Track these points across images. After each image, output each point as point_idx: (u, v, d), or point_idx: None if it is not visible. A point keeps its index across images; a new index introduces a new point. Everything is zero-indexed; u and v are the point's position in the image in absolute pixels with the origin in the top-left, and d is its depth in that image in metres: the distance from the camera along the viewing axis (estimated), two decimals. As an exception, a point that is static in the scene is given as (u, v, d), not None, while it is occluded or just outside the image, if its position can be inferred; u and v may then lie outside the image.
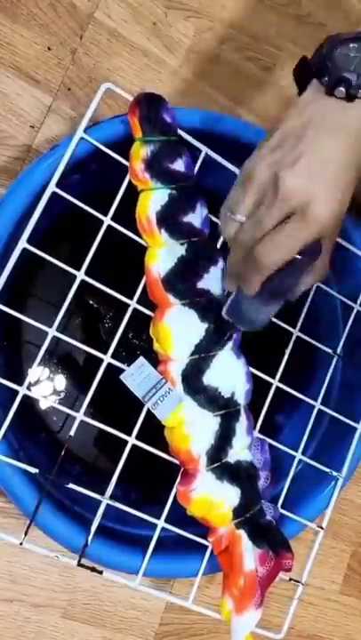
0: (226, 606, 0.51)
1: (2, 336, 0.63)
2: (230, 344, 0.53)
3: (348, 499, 0.79)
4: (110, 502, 0.50)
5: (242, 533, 0.53)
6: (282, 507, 0.58)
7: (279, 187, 0.41)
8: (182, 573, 0.57)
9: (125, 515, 0.51)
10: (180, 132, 0.54)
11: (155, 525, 0.52)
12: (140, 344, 0.66)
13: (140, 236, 0.53)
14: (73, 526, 0.52)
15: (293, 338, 0.59)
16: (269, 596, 0.73)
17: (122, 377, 0.50)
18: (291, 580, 0.56)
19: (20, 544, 0.48)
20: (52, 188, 0.50)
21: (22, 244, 0.49)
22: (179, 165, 0.53)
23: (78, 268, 0.50)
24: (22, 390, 0.49)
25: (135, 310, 0.52)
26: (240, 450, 0.54)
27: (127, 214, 0.52)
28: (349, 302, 0.63)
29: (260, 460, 0.55)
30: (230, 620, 0.51)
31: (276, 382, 0.57)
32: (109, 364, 0.51)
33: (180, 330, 0.52)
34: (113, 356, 0.51)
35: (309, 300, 0.60)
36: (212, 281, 0.53)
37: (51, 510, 0.52)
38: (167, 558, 0.55)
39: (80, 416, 0.50)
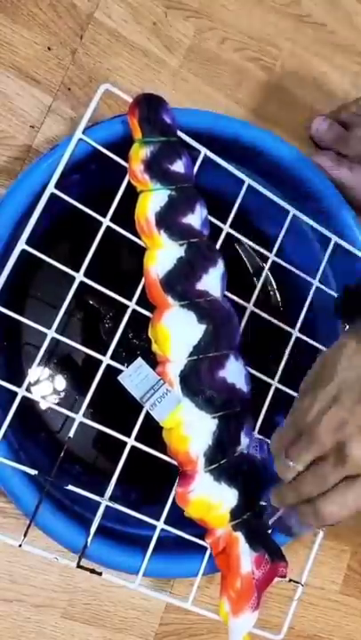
0: (223, 608, 0.51)
1: (2, 336, 0.63)
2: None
3: (348, 499, 0.79)
4: (110, 504, 0.51)
5: (239, 535, 0.53)
6: (281, 507, 0.58)
7: (347, 455, 0.40)
8: (182, 573, 0.57)
9: (125, 515, 0.51)
10: (179, 132, 0.54)
11: (154, 526, 0.52)
12: (139, 344, 0.66)
13: (139, 237, 0.53)
14: (73, 526, 0.52)
15: (293, 338, 0.59)
16: (269, 597, 0.73)
17: (120, 378, 0.50)
18: (290, 580, 0.56)
19: (20, 545, 0.48)
20: (50, 189, 0.50)
21: (21, 245, 0.49)
22: (178, 166, 0.53)
23: (78, 269, 0.50)
24: (21, 392, 0.49)
25: (135, 311, 0.52)
26: (238, 451, 0.54)
27: (127, 215, 0.52)
28: (349, 303, 0.63)
29: (258, 460, 0.55)
30: (228, 622, 0.51)
31: (275, 383, 0.57)
32: (109, 365, 0.51)
33: (178, 331, 0.52)
34: (113, 357, 0.51)
35: (309, 300, 0.60)
36: (211, 282, 0.53)
37: (50, 510, 0.52)
38: (167, 558, 0.55)
39: (79, 417, 0.50)
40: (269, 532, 0.55)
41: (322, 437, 0.41)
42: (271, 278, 0.73)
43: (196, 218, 0.53)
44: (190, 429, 0.51)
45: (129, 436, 0.51)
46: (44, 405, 0.65)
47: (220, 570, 0.54)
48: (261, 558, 0.52)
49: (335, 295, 0.62)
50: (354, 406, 0.41)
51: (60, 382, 0.66)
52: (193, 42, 0.73)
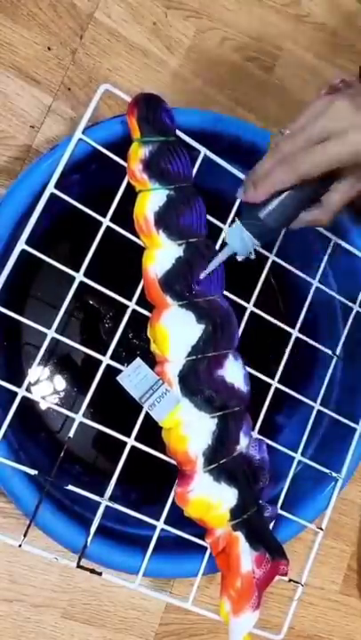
0: (224, 608, 0.51)
1: (2, 336, 0.63)
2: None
3: (348, 499, 0.79)
4: (109, 504, 0.51)
5: (239, 535, 0.53)
6: (281, 507, 0.58)
7: (330, 107, 0.45)
8: (182, 573, 0.57)
9: (125, 515, 0.51)
10: (179, 132, 0.54)
11: (154, 526, 0.52)
12: (139, 344, 0.66)
13: (138, 237, 0.53)
14: (73, 526, 0.52)
15: (293, 338, 0.59)
16: (269, 597, 0.73)
17: (118, 378, 0.50)
18: (290, 580, 0.56)
19: (20, 546, 0.48)
20: (50, 189, 0.50)
21: (21, 245, 0.49)
22: (177, 166, 0.53)
23: (78, 268, 0.50)
24: (21, 392, 0.49)
25: (135, 311, 0.52)
26: (238, 451, 0.54)
27: (126, 215, 0.52)
28: (349, 303, 0.63)
29: (258, 460, 0.55)
30: (228, 622, 0.51)
31: (275, 383, 0.57)
32: (109, 365, 0.51)
33: (177, 331, 0.51)
34: (113, 357, 0.51)
35: (309, 300, 0.60)
36: (210, 282, 0.53)
37: (51, 510, 0.52)
38: (167, 558, 0.55)
39: (79, 417, 0.50)
40: (270, 529, 0.55)
41: (313, 103, 0.46)
42: (271, 278, 0.73)
43: (194, 217, 0.53)
44: (189, 429, 0.51)
45: (129, 436, 0.51)
46: (44, 405, 0.65)
47: (220, 570, 0.54)
48: (262, 557, 0.52)
49: (335, 294, 0.62)
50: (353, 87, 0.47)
51: (60, 382, 0.66)
52: (193, 42, 0.73)
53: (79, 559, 0.51)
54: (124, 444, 0.51)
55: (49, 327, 0.49)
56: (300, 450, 0.59)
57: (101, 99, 0.52)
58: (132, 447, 0.51)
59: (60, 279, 0.52)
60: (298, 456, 0.59)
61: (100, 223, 0.51)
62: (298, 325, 0.59)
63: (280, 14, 0.78)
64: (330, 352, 0.61)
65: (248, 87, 0.76)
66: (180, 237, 0.52)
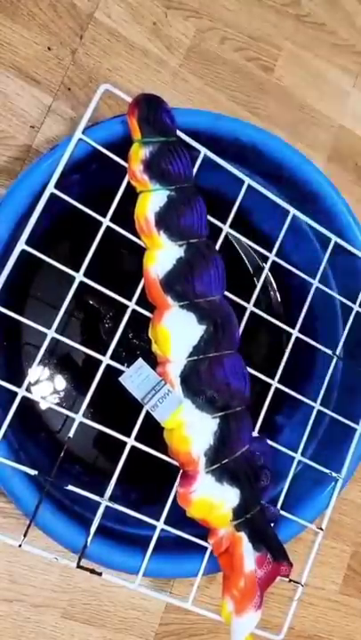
0: (226, 608, 0.51)
1: (2, 336, 0.63)
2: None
3: (348, 499, 0.79)
4: (109, 504, 0.51)
5: (242, 535, 0.53)
6: (281, 507, 0.58)
7: None
8: (182, 573, 0.57)
9: (125, 515, 0.51)
10: (179, 132, 0.54)
11: (154, 526, 0.52)
12: (140, 344, 0.66)
13: (139, 237, 0.53)
14: (73, 526, 0.52)
15: (293, 338, 0.59)
16: (269, 597, 0.73)
17: (121, 379, 0.50)
18: (291, 581, 0.56)
19: (20, 546, 0.48)
20: (50, 189, 0.50)
21: (21, 245, 0.49)
22: (178, 166, 0.53)
23: (78, 269, 0.50)
24: (21, 392, 0.49)
25: (135, 311, 0.52)
26: (239, 451, 0.54)
27: (127, 215, 0.52)
28: (349, 303, 0.63)
29: (259, 459, 0.55)
30: (230, 622, 0.51)
31: (275, 383, 0.57)
32: (109, 365, 0.51)
33: (178, 332, 0.51)
34: (113, 357, 0.51)
35: (309, 300, 0.60)
36: (210, 282, 0.53)
37: (51, 510, 0.52)
38: (167, 558, 0.55)
39: (79, 417, 0.50)
40: (272, 527, 0.55)
41: None
42: (271, 278, 0.73)
43: (195, 218, 0.53)
44: (191, 430, 0.51)
45: (129, 436, 0.51)
46: (44, 405, 0.65)
47: (222, 570, 0.54)
48: (263, 558, 0.52)
49: (335, 294, 0.62)
50: None
51: (60, 382, 0.66)
52: (193, 42, 0.73)
53: (79, 559, 0.51)
54: (124, 443, 0.51)
55: (49, 327, 0.49)
56: (300, 450, 0.59)
57: (101, 99, 0.52)
58: (133, 447, 0.51)
59: (60, 279, 0.52)
60: (298, 456, 0.59)
61: (100, 223, 0.51)
62: (298, 325, 0.59)
63: (280, 14, 0.78)
64: (330, 352, 0.61)
65: (248, 87, 0.76)
66: (181, 238, 0.52)
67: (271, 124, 0.77)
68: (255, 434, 0.56)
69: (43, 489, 0.51)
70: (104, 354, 0.51)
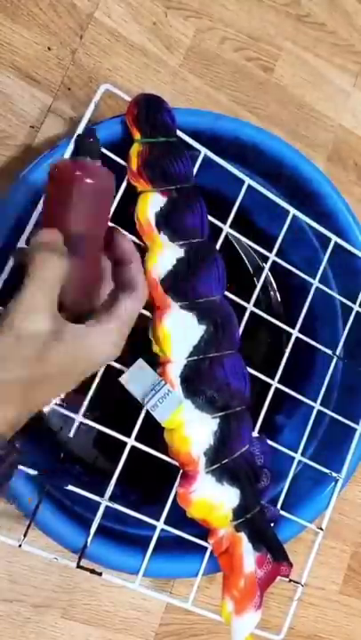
0: (226, 608, 0.51)
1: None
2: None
3: (348, 499, 0.79)
4: (109, 504, 0.51)
5: (242, 536, 0.53)
6: (281, 507, 0.58)
7: None
8: (182, 573, 0.57)
9: (125, 515, 0.51)
10: (179, 132, 0.54)
11: (154, 526, 0.52)
12: (140, 344, 0.66)
13: (139, 238, 0.53)
14: (73, 526, 0.52)
15: (293, 338, 0.59)
16: (269, 597, 0.73)
17: (121, 379, 0.50)
18: (291, 581, 0.56)
19: (20, 546, 0.48)
20: (51, 189, 0.50)
21: (21, 245, 0.49)
22: (178, 167, 0.53)
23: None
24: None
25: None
26: (239, 451, 0.54)
27: (127, 215, 0.52)
28: (349, 303, 0.63)
29: (259, 460, 0.55)
30: (230, 622, 0.51)
31: (275, 383, 0.57)
32: (109, 365, 0.51)
33: (178, 332, 0.51)
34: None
35: (309, 300, 0.60)
36: (211, 282, 0.53)
37: (51, 510, 0.52)
38: (167, 558, 0.55)
39: (79, 418, 0.50)
40: (272, 528, 0.55)
41: None
42: (271, 278, 0.73)
43: (196, 218, 0.53)
44: (191, 430, 0.51)
45: (129, 436, 0.51)
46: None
47: (222, 570, 0.54)
48: (263, 558, 0.52)
49: (335, 294, 0.62)
50: None
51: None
52: (193, 42, 0.73)
53: (79, 559, 0.51)
54: (125, 444, 0.51)
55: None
56: (300, 450, 0.59)
57: (101, 99, 0.52)
58: (132, 447, 0.51)
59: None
60: (298, 456, 0.59)
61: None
62: (298, 325, 0.59)
63: (280, 14, 0.78)
64: (330, 352, 0.61)
65: (248, 87, 0.76)
66: (182, 238, 0.52)
67: (271, 123, 0.77)
68: (255, 434, 0.56)
69: (43, 489, 0.51)
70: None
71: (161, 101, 0.53)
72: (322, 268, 0.61)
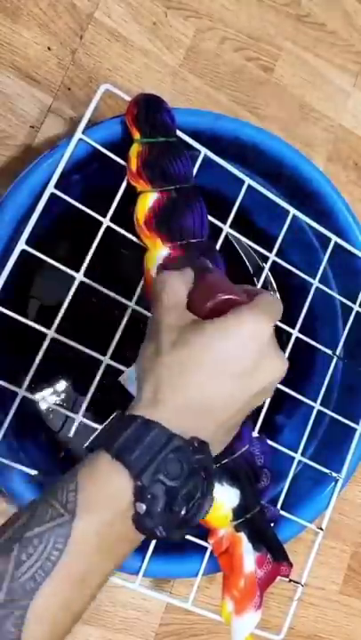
0: (226, 608, 0.51)
1: (2, 336, 0.63)
2: None
3: (348, 499, 0.79)
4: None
5: (242, 535, 0.53)
6: (281, 507, 0.58)
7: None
8: (182, 573, 0.57)
9: (125, 515, 0.51)
10: (179, 132, 0.54)
11: (154, 526, 0.52)
12: (140, 344, 0.66)
13: (139, 238, 0.53)
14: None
15: (293, 338, 0.59)
16: (269, 597, 0.73)
17: (120, 379, 0.50)
18: (291, 581, 0.56)
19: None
20: (50, 189, 0.50)
21: (21, 245, 0.49)
22: (178, 167, 0.52)
23: (78, 269, 0.50)
24: (21, 392, 0.49)
25: (135, 311, 0.52)
26: (239, 450, 0.53)
27: (127, 215, 0.52)
28: (349, 303, 0.63)
29: (259, 459, 0.55)
30: (230, 622, 0.51)
31: (275, 383, 0.57)
32: (109, 365, 0.51)
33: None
34: (113, 357, 0.51)
35: (309, 300, 0.60)
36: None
37: (50, 511, 0.52)
38: (167, 558, 0.55)
39: (79, 417, 0.50)
40: (272, 528, 0.55)
41: None
42: (271, 278, 0.73)
43: (195, 218, 0.53)
44: (190, 429, 0.51)
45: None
46: (43, 405, 0.65)
47: (222, 570, 0.54)
48: (263, 558, 0.52)
49: (335, 294, 0.62)
50: None
51: (60, 382, 0.66)
52: (193, 42, 0.73)
53: (79, 559, 0.50)
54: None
55: (49, 327, 0.49)
56: (300, 450, 0.59)
57: (101, 99, 0.52)
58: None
59: (60, 279, 0.52)
60: (298, 456, 0.59)
61: (100, 223, 0.51)
62: (298, 325, 0.59)
63: (280, 14, 0.78)
64: (330, 352, 0.61)
65: (248, 87, 0.76)
66: (182, 239, 0.52)
67: (271, 123, 0.77)
68: (255, 434, 0.56)
69: (43, 489, 0.51)
70: (104, 354, 0.51)
71: (161, 101, 0.53)
72: (322, 268, 0.61)
